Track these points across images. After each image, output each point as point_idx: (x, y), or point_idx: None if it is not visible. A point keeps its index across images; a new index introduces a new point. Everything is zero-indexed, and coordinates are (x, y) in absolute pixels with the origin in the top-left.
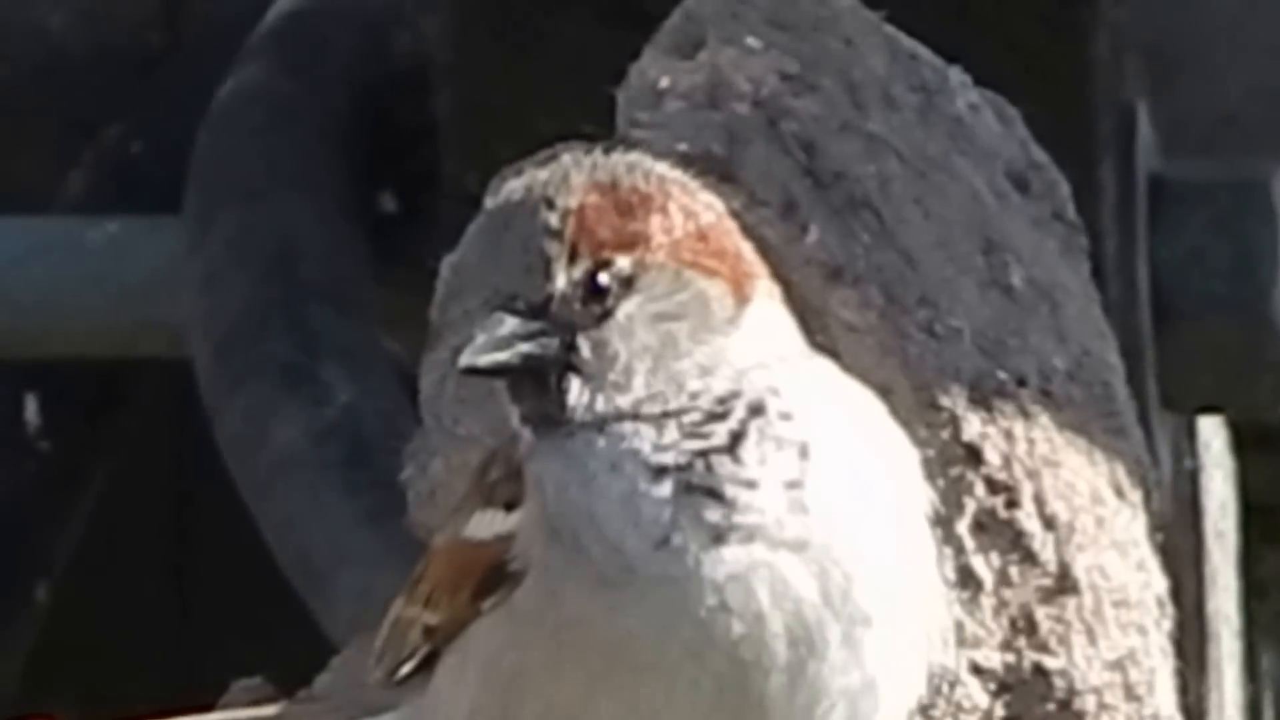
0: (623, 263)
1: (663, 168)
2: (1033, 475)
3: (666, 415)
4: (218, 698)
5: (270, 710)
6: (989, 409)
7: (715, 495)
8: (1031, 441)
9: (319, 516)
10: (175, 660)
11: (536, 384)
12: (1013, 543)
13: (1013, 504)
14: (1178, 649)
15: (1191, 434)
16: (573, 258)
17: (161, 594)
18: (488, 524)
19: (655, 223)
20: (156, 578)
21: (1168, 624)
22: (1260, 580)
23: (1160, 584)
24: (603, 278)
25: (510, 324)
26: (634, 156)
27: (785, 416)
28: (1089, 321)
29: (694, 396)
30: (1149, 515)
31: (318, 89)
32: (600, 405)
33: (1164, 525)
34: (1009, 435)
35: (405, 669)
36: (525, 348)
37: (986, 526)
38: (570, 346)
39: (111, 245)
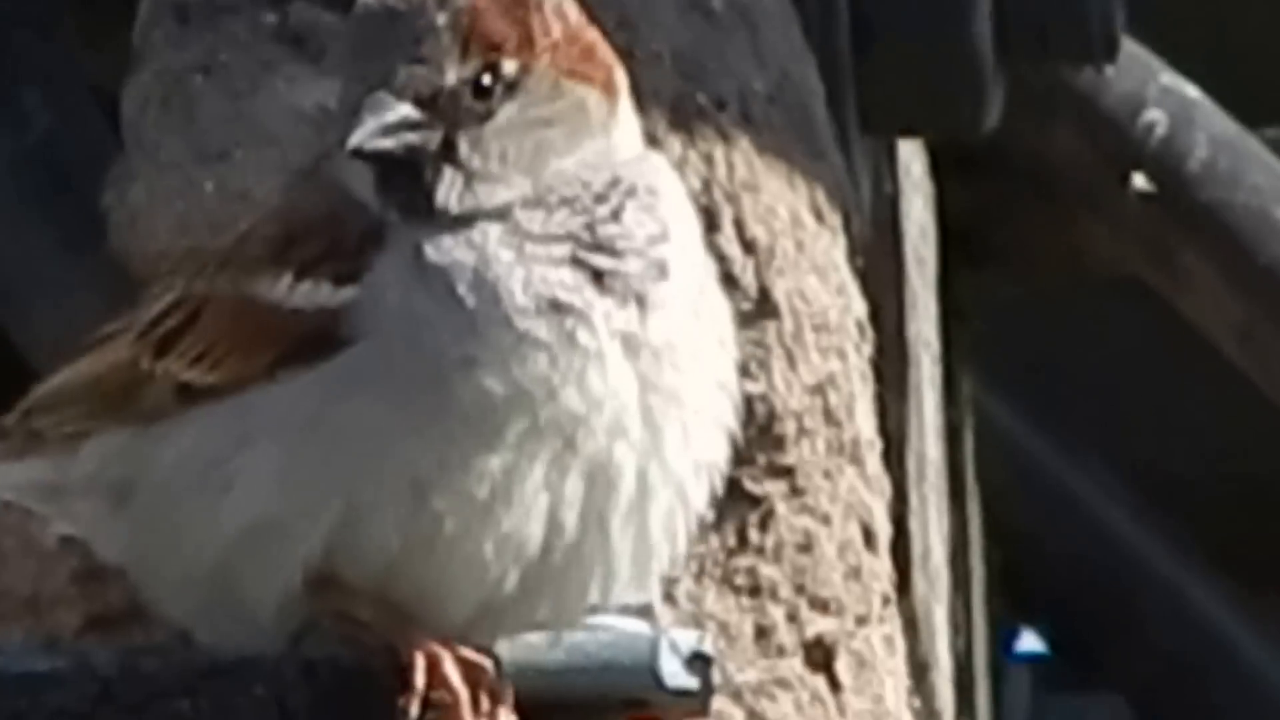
0: (509, 67)
1: None
2: (732, 199)
3: (552, 204)
4: None
5: None
6: (689, 132)
7: (603, 250)
8: (731, 165)
9: (19, 245)
10: None
11: (409, 174)
12: None
13: (713, 228)
14: (878, 373)
15: (891, 157)
16: (464, 57)
17: None
18: (305, 294)
19: (536, 26)
20: None
21: (868, 348)
22: (959, 304)
23: (860, 308)
24: (487, 79)
25: (398, 111)
26: None
27: (651, 192)
28: (789, 45)
29: (585, 186)
30: (849, 239)
31: None
32: (468, 201)
33: (864, 249)
34: (708, 159)
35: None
36: (410, 137)
37: None
38: (449, 143)
39: None
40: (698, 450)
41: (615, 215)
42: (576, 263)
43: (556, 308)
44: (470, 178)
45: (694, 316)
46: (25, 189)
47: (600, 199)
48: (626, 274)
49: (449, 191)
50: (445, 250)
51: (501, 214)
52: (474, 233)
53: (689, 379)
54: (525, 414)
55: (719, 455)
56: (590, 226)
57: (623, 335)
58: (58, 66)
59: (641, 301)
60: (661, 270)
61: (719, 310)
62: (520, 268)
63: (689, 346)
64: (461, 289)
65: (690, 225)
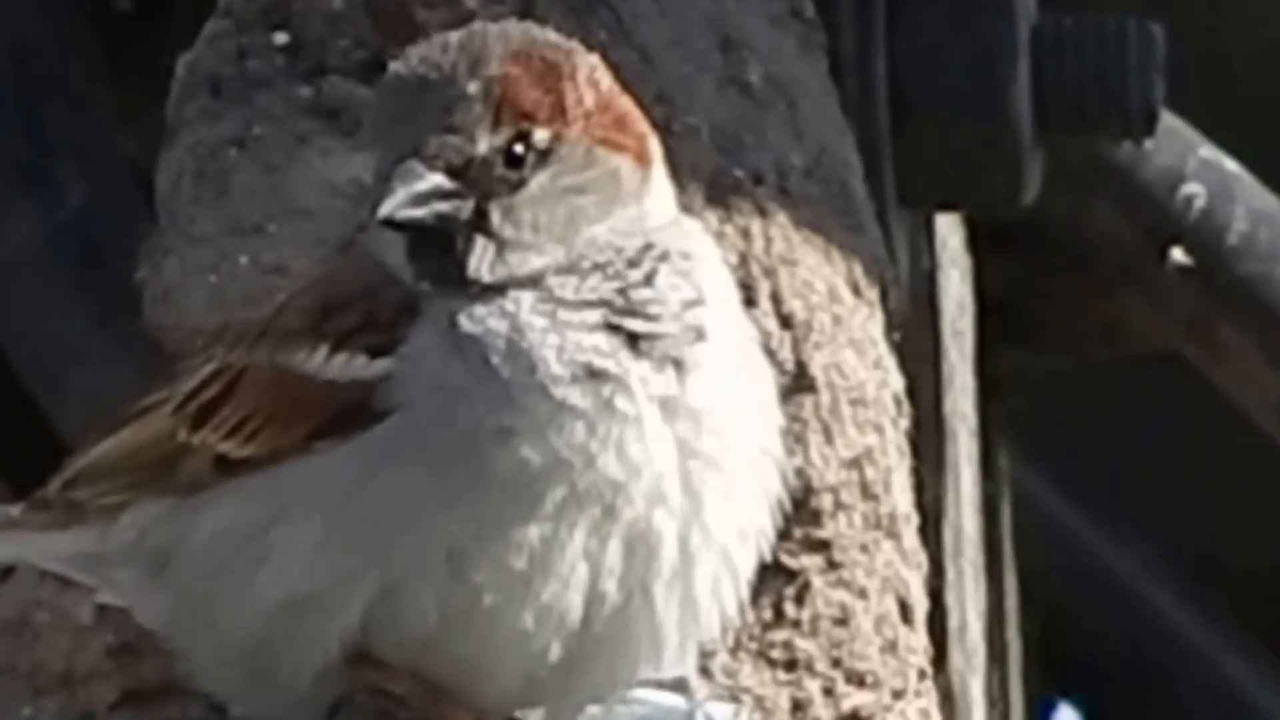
0: (541, 135)
1: (551, 32)
2: (769, 273)
3: (585, 270)
4: None
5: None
6: (726, 206)
7: (637, 314)
8: (769, 239)
9: (51, 316)
10: None
11: (441, 243)
12: None
13: (749, 302)
14: (914, 448)
15: (929, 232)
16: (495, 125)
17: None
18: (340, 366)
19: (568, 95)
20: None
21: (904, 422)
22: (996, 379)
23: (897, 382)
24: (519, 148)
25: (429, 180)
26: (530, 25)
27: (685, 257)
28: (827, 119)
29: (618, 252)
30: (886, 313)
31: None
32: (500, 270)
33: (901, 323)
34: (746, 233)
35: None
36: (441, 206)
37: None
38: (480, 211)
39: None
40: (740, 516)
41: (648, 280)
42: (611, 328)
43: (593, 374)
44: (502, 246)
45: (733, 380)
46: (59, 262)
47: (633, 264)
48: (662, 337)
49: (481, 260)
50: (479, 320)
51: (534, 281)
52: (507, 301)
53: (729, 443)
54: (563, 482)
55: (763, 521)
56: (623, 291)
57: (661, 399)
58: (92, 140)
59: (679, 365)
60: (698, 334)
61: (761, 375)
62: (554, 335)
63: (729, 410)
64: (496, 359)
65: (727, 289)
